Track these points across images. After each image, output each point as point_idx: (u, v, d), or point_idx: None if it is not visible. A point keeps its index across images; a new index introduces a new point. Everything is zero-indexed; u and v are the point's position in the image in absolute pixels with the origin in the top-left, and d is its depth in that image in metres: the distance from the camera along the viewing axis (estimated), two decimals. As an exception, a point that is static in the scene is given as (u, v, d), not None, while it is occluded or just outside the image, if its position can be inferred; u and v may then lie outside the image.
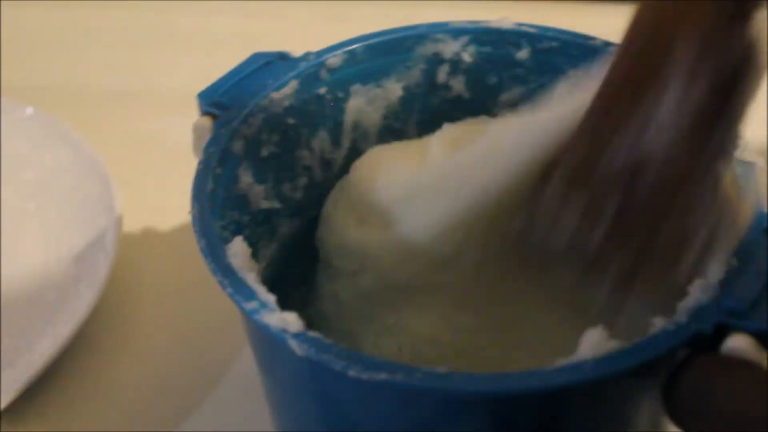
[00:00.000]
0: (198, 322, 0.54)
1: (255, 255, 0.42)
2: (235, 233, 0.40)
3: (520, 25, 0.45)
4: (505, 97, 0.46)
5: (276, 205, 0.43)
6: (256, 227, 0.42)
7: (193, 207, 0.37)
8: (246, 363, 0.50)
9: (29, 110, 0.63)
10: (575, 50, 0.44)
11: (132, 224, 0.59)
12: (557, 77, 0.44)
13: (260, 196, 0.42)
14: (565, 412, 0.33)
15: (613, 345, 0.32)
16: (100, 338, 0.52)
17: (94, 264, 0.52)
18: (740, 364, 0.30)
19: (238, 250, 0.36)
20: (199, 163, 0.39)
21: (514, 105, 0.46)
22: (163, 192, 0.61)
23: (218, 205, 0.38)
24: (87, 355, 0.51)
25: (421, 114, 0.47)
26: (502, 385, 0.30)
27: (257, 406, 0.46)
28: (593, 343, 0.32)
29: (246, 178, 0.41)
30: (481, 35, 0.45)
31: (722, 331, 0.31)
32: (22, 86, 0.69)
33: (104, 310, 0.52)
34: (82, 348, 0.51)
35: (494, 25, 0.45)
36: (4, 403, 0.45)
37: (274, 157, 0.43)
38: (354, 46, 0.44)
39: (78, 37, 0.82)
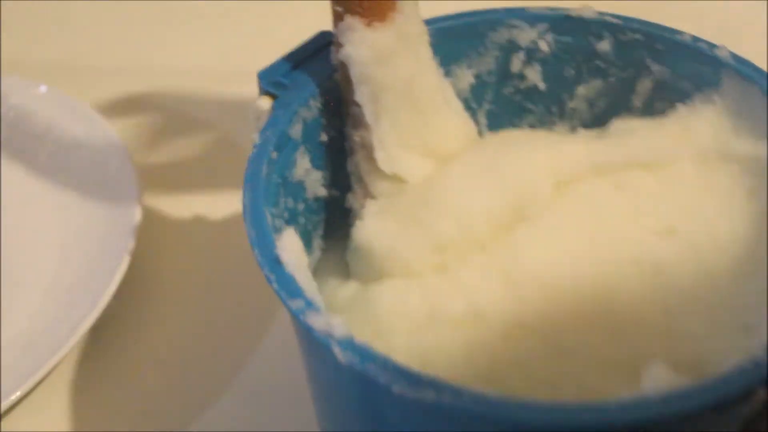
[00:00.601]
0: (222, 305, 0.52)
1: (309, 245, 0.41)
2: (289, 222, 0.39)
3: (603, 14, 0.42)
4: (582, 90, 0.44)
5: (335, 192, 0.42)
6: (312, 215, 0.41)
7: (245, 194, 0.35)
8: (265, 357, 0.49)
9: (43, 88, 0.63)
10: (661, 44, 0.41)
11: (152, 201, 0.58)
12: (640, 72, 0.42)
13: (318, 183, 0.41)
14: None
15: (680, 381, 0.30)
16: (122, 318, 0.51)
17: (114, 244, 0.51)
18: None
19: (289, 242, 0.34)
20: (255, 147, 0.37)
21: (591, 99, 0.44)
22: (183, 169, 0.60)
23: (272, 192, 0.37)
24: (109, 335, 0.50)
25: (493, 104, 0.45)
26: (556, 417, 0.28)
27: (275, 401, 0.45)
28: (658, 377, 0.30)
29: (304, 163, 0.40)
30: (560, 23, 0.42)
31: None
32: (34, 64, 0.69)
33: (126, 288, 0.51)
34: (104, 328, 0.50)
35: (575, 13, 0.42)
36: (27, 387, 0.44)
37: (334, 142, 0.41)
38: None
39: (89, 14, 0.80)
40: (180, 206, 0.59)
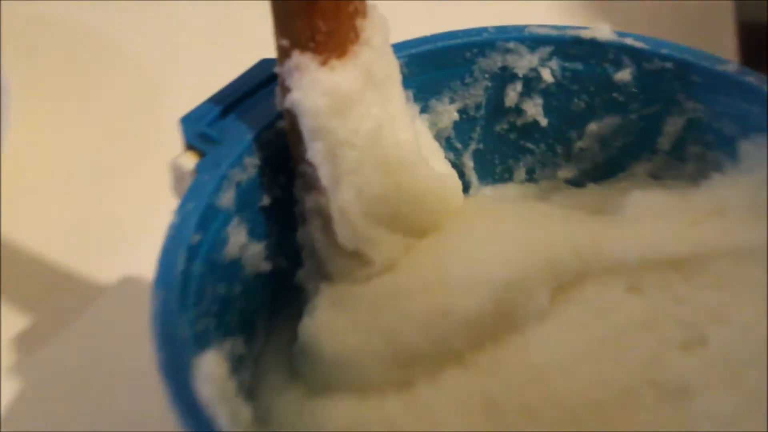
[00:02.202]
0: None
1: (251, 330, 0.33)
2: (221, 315, 0.30)
3: (622, 35, 0.33)
4: (594, 127, 0.35)
5: (282, 263, 0.33)
6: (254, 295, 0.33)
7: (153, 298, 0.27)
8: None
9: None
10: (697, 76, 0.32)
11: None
12: (669, 109, 0.34)
13: (259, 256, 0.33)
14: None
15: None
16: None
17: None
18: None
19: (211, 370, 0.26)
20: (170, 230, 0.29)
21: (605, 138, 0.36)
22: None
23: (192, 289, 0.28)
24: None
25: (482, 142, 0.37)
26: None
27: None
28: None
29: (239, 237, 0.31)
30: (568, 46, 0.34)
31: None
32: None
33: None
34: None
35: (587, 34, 0.33)
36: None
37: (278, 204, 0.32)
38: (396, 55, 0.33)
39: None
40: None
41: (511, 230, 0.33)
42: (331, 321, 0.32)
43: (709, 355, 0.30)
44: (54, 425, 0.42)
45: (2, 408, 0.43)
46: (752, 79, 0.32)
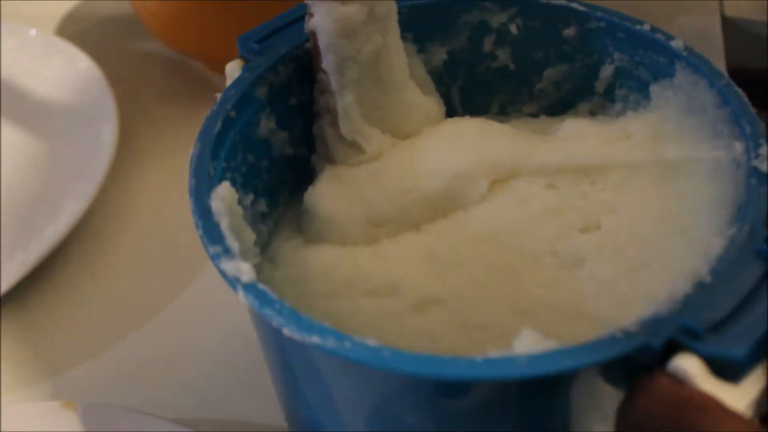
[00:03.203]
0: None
1: (275, 198, 0.44)
2: (249, 176, 0.41)
3: (570, 1, 0.43)
4: (549, 72, 0.45)
5: (303, 152, 0.44)
6: (279, 172, 0.44)
7: (195, 145, 0.38)
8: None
9: (32, 32, 0.71)
10: (622, 33, 0.42)
11: (133, 127, 0.66)
12: (603, 59, 0.44)
13: (284, 142, 0.43)
14: (492, 404, 0.33)
15: (549, 344, 0.32)
16: (99, 228, 0.60)
17: (93, 160, 0.59)
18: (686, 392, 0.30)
19: (223, 193, 0.37)
20: (214, 106, 0.40)
21: (558, 82, 0.45)
22: (161, 99, 0.69)
23: (227, 147, 0.40)
24: (87, 243, 0.59)
25: (466, 81, 0.47)
26: (421, 368, 0.31)
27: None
28: (530, 340, 0.32)
29: (269, 123, 0.42)
30: (529, 8, 0.44)
31: (674, 349, 0.30)
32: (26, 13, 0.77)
33: (104, 203, 0.60)
34: (82, 236, 0.59)
35: (543, -1, 0.44)
36: (15, 280, 0.53)
37: (303, 106, 0.43)
38: (400, 5, 0.43)
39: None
40: (158, 132, 0.67)
41: (468, 138, 0.42)
42: (328, 190, 0.42)
43: (601, 236, 0.39)
44: (143, 403, 0.48)
45: (101, 385, 0.51)
46: (660, 36, 0.41)
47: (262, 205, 0.43)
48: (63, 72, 0.67)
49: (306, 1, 0.41)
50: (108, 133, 0.61)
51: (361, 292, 0.39)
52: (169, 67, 0.72)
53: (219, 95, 0.41)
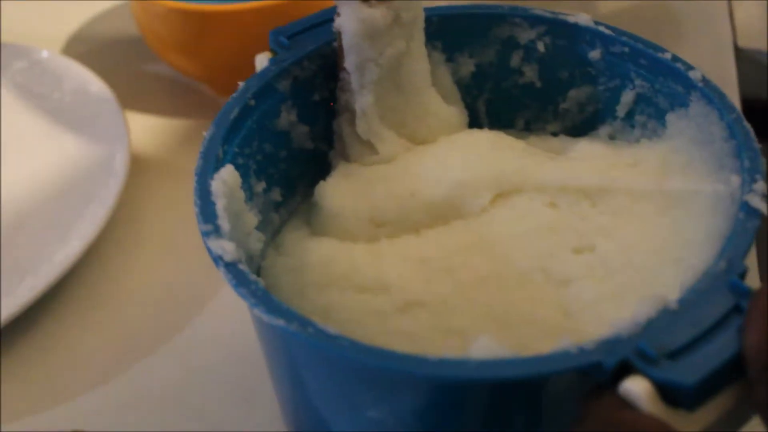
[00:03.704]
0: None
1: (293, 189, 0.45)
2: (264, 164, 0.43)
3: (597, 23, 0.43)
4: (574, 93, 0.46)
5: (323, 147, 0.45)
6: (298, 163, 0.45)
7: (209, 129, 0.40)
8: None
9: (45, 53, 0.71)
10: (644, 60, 0.42)
11: (142, 150, 0.65)
12: (624, 84, 0.44)
13: (305, 136, 0.45)
14: (446, 404, 0.34)
15: (503, 353, 0.32)
16: (110, 253, 0.58)
17: (104, 185, 0.58)
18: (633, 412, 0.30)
19: (225, 176, 0.38)
20: (234, 93, 0.42)
21: (581, 103, 0.46)
22: (170, 122, 0.68)
23: (242, 134, 0.41)
24: (97, 268, 0.57)
25: (492, 94, 0.47)
26: (374, 359, 0.32)
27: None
28: (486, 347, 0.33)
29: (289, 116, 0.44)
30: (558, 27, 0.44)
31: (627, 371, 0.30)
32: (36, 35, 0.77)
33: (114, 227, 0.59)
34: (93, 261, 0.57)
35: (572, 19, 0.44)
36: (24, 305, 0.51)
37: (326, 103, 0.45)
38: (430, 13, 0.44)
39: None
40: (170, 153, 0.66)
41: (479, 150, 0.43)
42: (337, 186, 0.43)
43: (593, 258, 0.40)
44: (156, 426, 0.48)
45: (110, 413, 0.49)
46: (680, 65, 0.41)
47: (276, 195, 0.44)
48: (74, 95, 0.67)
49: (335, 1, 0.43)
50: (120, 158, 0.60)
51: (352, 287, 0.40)
52: (176, 87, 0.72)
53: (242, 83, 0.42)
